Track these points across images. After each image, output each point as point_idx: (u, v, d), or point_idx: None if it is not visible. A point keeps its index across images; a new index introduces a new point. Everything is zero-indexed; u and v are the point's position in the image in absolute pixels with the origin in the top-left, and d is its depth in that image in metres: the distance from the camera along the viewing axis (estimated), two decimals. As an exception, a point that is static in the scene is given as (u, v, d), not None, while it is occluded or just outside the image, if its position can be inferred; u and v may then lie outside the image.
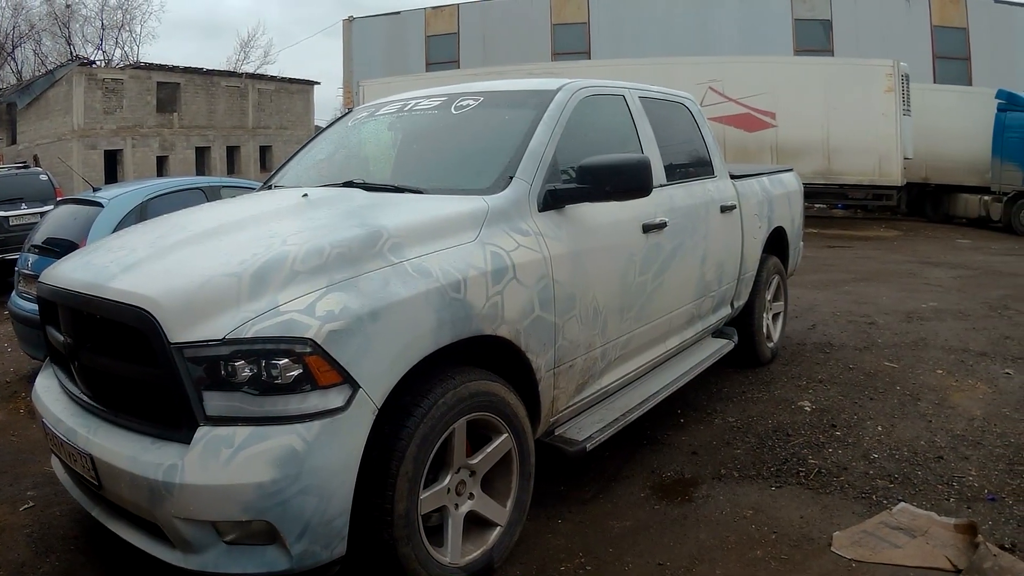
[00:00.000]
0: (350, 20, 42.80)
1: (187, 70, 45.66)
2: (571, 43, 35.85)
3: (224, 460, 3.22)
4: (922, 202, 27.82)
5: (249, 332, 3.27)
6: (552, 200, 4.68)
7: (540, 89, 5.45)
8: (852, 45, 31.03)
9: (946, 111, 25.72)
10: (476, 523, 4.14)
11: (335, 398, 3.32)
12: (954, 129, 25.69)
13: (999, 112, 24.76)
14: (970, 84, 30.74)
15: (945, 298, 12.30)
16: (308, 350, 3.26)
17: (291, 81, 51.61)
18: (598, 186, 4.64)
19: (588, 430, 5.00)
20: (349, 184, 5.00)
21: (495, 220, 4.32)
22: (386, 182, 5.02)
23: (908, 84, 23.56)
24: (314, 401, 3.29)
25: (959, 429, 6.36)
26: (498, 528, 4.20)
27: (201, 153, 45.30)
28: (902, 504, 5.01)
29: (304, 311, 3.34)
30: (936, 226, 26.03)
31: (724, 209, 6.77)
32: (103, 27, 55.63)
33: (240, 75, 50.09)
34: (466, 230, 4.18)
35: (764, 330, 8.10)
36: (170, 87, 44.48)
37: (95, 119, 40.88)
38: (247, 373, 3.27)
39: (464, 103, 5.56)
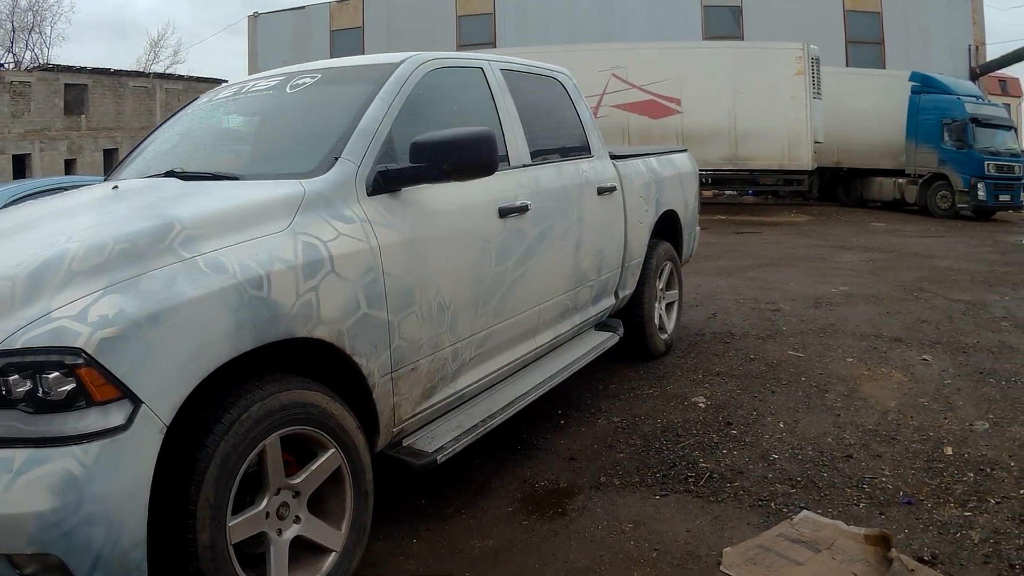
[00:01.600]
0: (255, 16, 42.14)
1: (95, 71, 45.18)
2: (477, 34, 35.48)
3: (3, 487, 2.78)
4: (835, 187, 28.02)
5: (18, 342, 2.84)
6: (384, 183, 4.21)
7: (381, 63, 5.02)
8: (763, 31, 30.94)
9: (859, 94, 25.90)
10: (309, 549, 3.69)
11: (115, 415, 2.89)
12: (867, 113, 25.93)
13: (913, 95, 25.13)
14: (884, 68, 30.74)
15: (857, 282, 12.05)
16: (80, 361, 2.83)
17: (199, 80, 50.70)
18: (435, 165, 4.18)
19: (441, 439, 4.55)
20: (170, 173, 4.54)
21: (312, 206, 3.85)
22: (207, 169, 4.55)
23: (819, 67, 23.52)
24: (91, 419, 2.85)
25: (871, 423, 6.00)
26: (333, 554, 3.73)
27: (109, 155, 44.45)
28: (804, 512, 4.57)
29: (76, 317, 2.89)
30: (850, 210, 26.13)
31: (602, 191, 6.35)
32: (13, 29, 54.37)
33: (148, 75, 49.62)
34: (275, 219, 3.69)
35: (656, 321, 7.67)
36: (78, 89, 43.77)
37: (2, 123, 40.09)
38: (23, 388, 2.83)
39: (300, 82, 5.13)
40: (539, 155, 5.73)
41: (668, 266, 7.91)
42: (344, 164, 4.13)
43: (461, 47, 34.53)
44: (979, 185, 23.09)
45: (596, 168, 6.44)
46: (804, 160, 23.39)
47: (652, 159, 7.66)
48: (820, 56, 23.55)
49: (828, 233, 19.14)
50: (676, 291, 8.19)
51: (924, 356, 7.79)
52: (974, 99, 24.77)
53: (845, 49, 32.46)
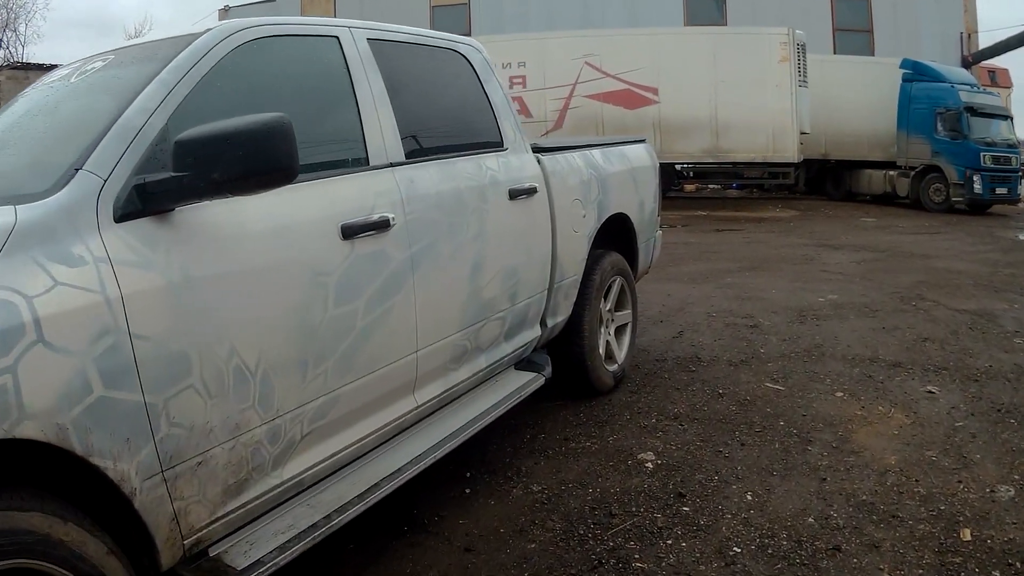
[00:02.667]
0: (226, 10, 40.77)
1: (66, 68, 43.55)
2: (451, 26, 33.87)
3: None
4: (822, 179, 26.75)
5: None
6: (141, 202, 2.91)
7: (182, 35, 3.66)
8: (748, 20, 29.44)
9: (847, 83, 24.58)
10: None
11: None
12: (856, 102, 24.63)
13: (904, 83, 23.91)
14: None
15: (847, 289, 10.57)
16: None
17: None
18: (200, 174, 2.89)
19: (263, 546, 3.26)
20: None
21: (22, 244, 2.59)
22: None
23: (805, 54, 22.08)
24: None
25: (866, 491, 4.62)
26: None
27: (81, 153, 42.86)
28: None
29: None
30: (838, 204, 24.70)
31: (517, 194, 4.96)
32: (-13, 27, 53.25)
33: (122, 71, 47.89)
34: None
35: (600, 350, 6.24)
36: (49, 87, 42.26)
37: (-28, 123, 38.47)
38: None
39: (91, 67, 3.83)
40: (420, 150, 4.40)
41: (618, 282, 6.49)
42: (83, 179, 2.85)
43: (435, 38, 33.14)
44: (975, 177, 21.78)
45: (509, 165, 5.05)
46: (790, 152, 21.98)
47: (595, 152, 6.23)
48: (806, 43, 22.02)
49: (815, 230, 17.66)
50: (629, 311, 6.74)
51: (929, 387, 6.39)
52: (968, 87, 23.50)
53: (832, 37, 31.08)
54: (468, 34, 28.77)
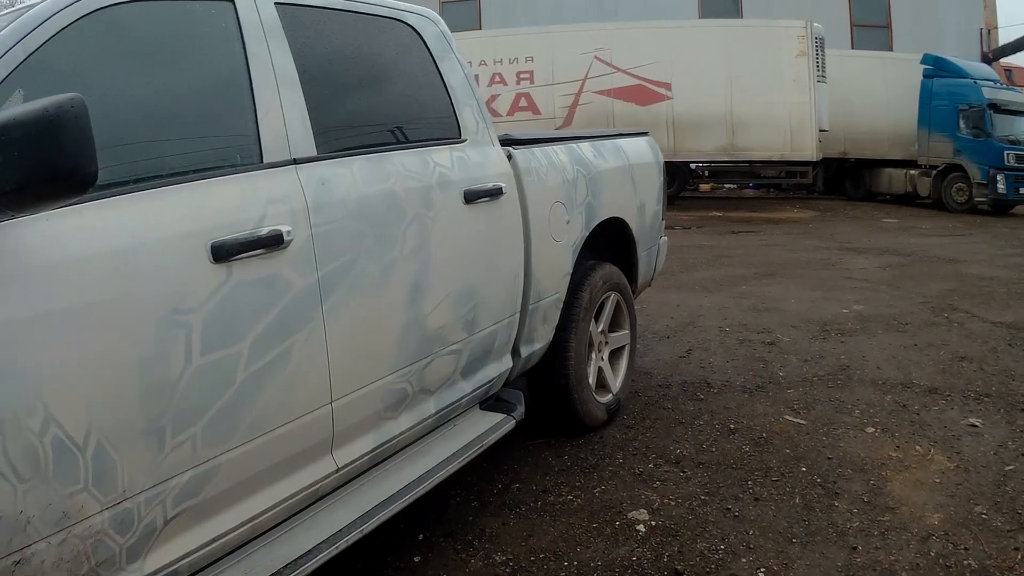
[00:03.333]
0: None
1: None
2: (462, 21, 32.93)
3: None
4: (841, 179, 25.62)
5: None
6: None
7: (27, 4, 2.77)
8: (763, 14, 28.34)
9: (867, 79, 23.36)
10: None
11: None
12: (876, 98, 23.39)
13: (925, 79, 22.59)
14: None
15: (873, 298, 9.51)
16: None
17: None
18: None
19: None
20: None
21: None
22: None
23: (823, 49, 20.94)
24: None
25: (905, 566, 3.67)
26: None
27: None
28: None
29: None
30: (857, 204, 23.54)
31: (475, 196, 4.00)
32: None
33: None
34: None
35: (589, 380, 5.24)
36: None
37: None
38: None
39: None
40: (342, 143, 3.48)
41: (612, 298, 5.48)
42: None
43: (445, 34, 32.07)
44: (998, 177, 20.61)
45: (467, 161, 4.08)
46: (808, 150, 20.75)
47: (583, 146, 5.24)
48: (824, 36, 20.91)
49: (835, 232, 16.56)
50: (626, 331, 5.74)
51: (971, 419, 5.40)
52: (992, 83, 22.36)
53: (850, 32, 29.97)
54: (479, 29, 27.98)
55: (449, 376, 3.93)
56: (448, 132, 4.10)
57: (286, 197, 3.01)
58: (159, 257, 2.55)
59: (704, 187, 27.45)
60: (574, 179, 4.87)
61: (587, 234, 5.01)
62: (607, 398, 5.43)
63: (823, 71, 20.90)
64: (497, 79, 21.34)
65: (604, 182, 5.24)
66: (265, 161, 3.02)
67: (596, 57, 21.32)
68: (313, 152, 3.22)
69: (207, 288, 2.67)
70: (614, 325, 5.60)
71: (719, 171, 24.51)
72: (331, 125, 3.39)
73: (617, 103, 21.21)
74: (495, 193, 4.08)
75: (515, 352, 4.52)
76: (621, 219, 5.51)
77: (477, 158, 4.11)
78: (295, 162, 3.13)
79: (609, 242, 5.53)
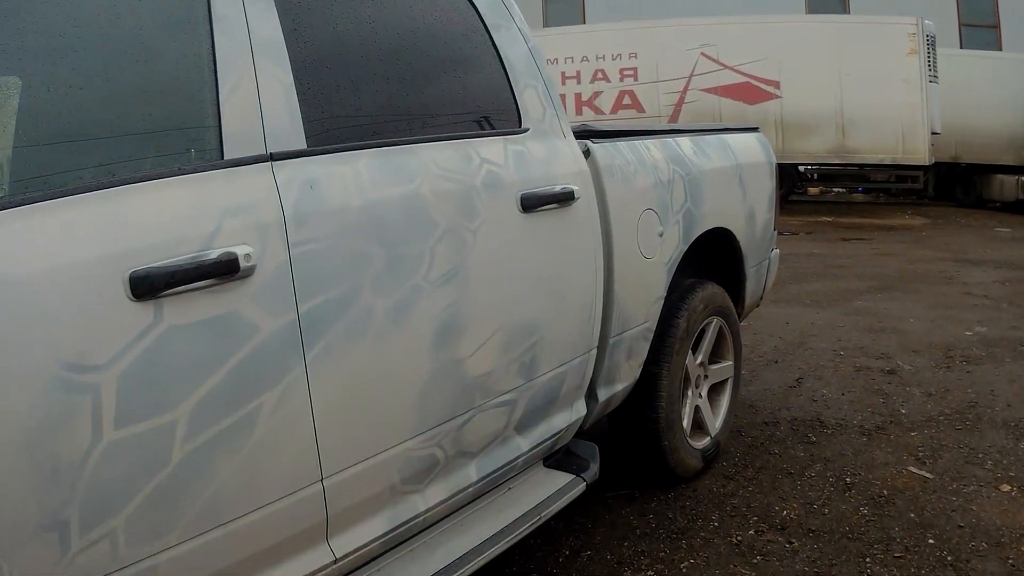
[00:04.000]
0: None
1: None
2: (565, 17, 31.97)
3: None
4: (951, 184, 23.91)
5: None
6: None
7: None
8: (870, 11, 26.98)
9: (976, 80, 21.63)
10: None
11: None
12: (986, 100, 21.60)
13: (1038, 79, 20.86)
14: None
15: (996, 318, 8.24)
16: None
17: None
18: None
19: None
20: None
21: None
22: None
23: (934, 47, 19.52)
24: None
25: None
26: None
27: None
28: None
29: None
30: (968, 211, 21.91)
31: (537, 202, 3.02)
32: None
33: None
34: None
35: (684, 422, 4.25)
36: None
37: None
38: None
39: None
40: (345, 133, 2.56)
41: (714, 324, 4.45)
42: None
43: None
44: (1119, 186, 18.95)
45: (527, 156, 3.11)
46: (920, 153, 19.31)
47: (681, 141, 4.23)
48: (935, 34, 19.56)
49: (949, 241, 15.14)
50: (729, 362, 4.70)
51: None
52: (1111, 83, 20.66)
53: (959, 32, 28.39)
54: (583, 23, 27.04)
55: (498, 433, 2.98)
56: (503, 119, 3.13)
57: (252, 206, 2.12)
58: (53, 293, 1.74)
59: (813, 190, 26.06)
60: (670, 181, 3.87)
61: (685, 249, 4.00)
62: (704, 442, 4.41)
63: (935, 71, 19.53)
64: (600, 76, 20.27)
65: (707, 185, 4.22)
66: (227, 157, 2.13)
67: (702, 53, 20.05)
68: (301, 144, 2.31)
69: (124, 335, 1.84)
70: (715, 356, 4.57)
71: (828, 174, 23.11)
72: (331, 109, 2.48)
73: (724, 101, 19.89)
74: (564, 198, 3.10)
75: (591, 395, 3.55)
76: (726, 229, 4.48)
77: (541, 153, 3.13)
78: (271, 158, 2.23)
79: (711, 256, 4.52)
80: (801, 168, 22.01)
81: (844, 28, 20.04)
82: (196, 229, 1.99)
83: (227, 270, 1.99)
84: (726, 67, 19.85)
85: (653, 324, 3.81)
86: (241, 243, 2.04)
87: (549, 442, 3.29)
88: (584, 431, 3.66)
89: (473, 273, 2.69)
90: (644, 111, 20.02)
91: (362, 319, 2.33)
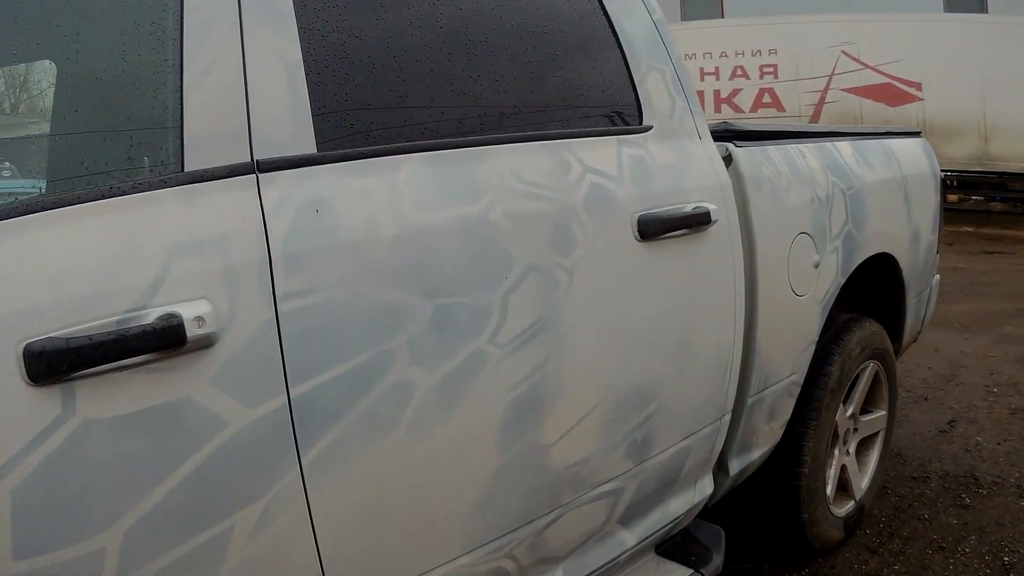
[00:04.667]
0: None
1: None
2: (703, 12, 30.87)
3: None
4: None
5: None
6: None
7: None
8: (1009, 10, 25.32)
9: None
10: None
11: None
12: None
13: None
14: None
15: None
16: None
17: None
18: None
19: None
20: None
21: None
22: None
23: (1082, 51, 18.00)
24: None
25: None
26: None
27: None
28: None
29: None
30: (1113, 227, 20.19)
31: (657, 228, 2.17)
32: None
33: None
34: None
35: (827, 489, 3.38)
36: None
37: None
38: None
39: None
40: (381, 132, 1.74)
41: (870, 369, 3.55)
42: None
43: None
44: None
45: (647, 163, 2.27)
46: (1068, 164, 17.84)
47: (840, 146, 3.35)
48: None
49: (1101, 256, 13.79)
50: (883, 412, 3.79)
51: None
52: None
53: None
54: (721, 17, 26.03)
55: (595, 530, 2.20)
56: (617, 113, 2.31)
57: (218, 240, 1.40)
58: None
59: (951, 198, 24.68)
60: (828, 197, 3.01)
61: (843, 281, 3.13)
62: (847, 507, 3.54)
63: (1085, 77, 18.07)
64: (739, 72, 19.27)
65: (870, 201, 3.34)
66: (188, 168, 1.40)
67: (843, 52, 18.89)
68: (307, 147, 1.56)
69: (18, 434, 1.21)
70: (867, 404, 3.68)
71: (967, 181, 21.72)
72: (358, 96, 1.71)
73: (865, 102, 18.68)
74: (698, 221, 2.27)
75: (723, 466, 2.75)
76: (890, 255, 3.58)
77: (668, 158, 2.31)
78: (258, 168, 1.48)
79: (866, 286, 3.59)
80: (942, 175, 20.75)
81: (988, 28, 18.80)
82: (128, 278, 1.28)
83: (170, 340, 1.26)
84: (867, 66, 18.71)
85: (801, 376, 2.96)
86: (196, 297, 1.31)
87: (663, 531, 2.48)
88: (708, 509, 2.83)
89: (566, 329, 1.90)
90: (784, 110, 18.94)
91: (392, 402, 1.58)
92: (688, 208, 2.23)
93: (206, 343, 1.31)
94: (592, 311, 1.96)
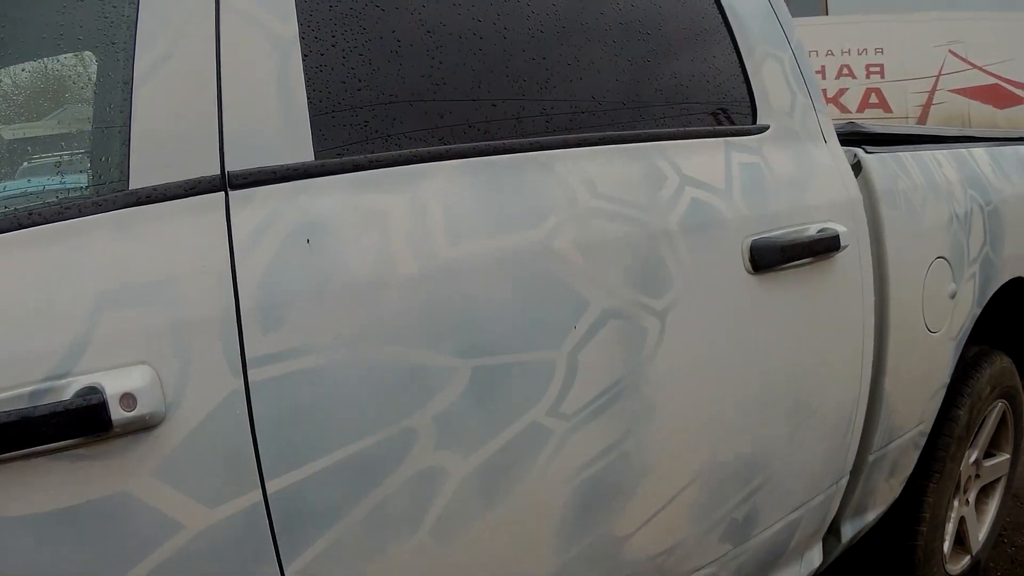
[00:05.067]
0: None
1: None
2: (805, 9, 30.00)
3: None
4: None
5: None
6: None
7: None
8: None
9: None
10: None
11: None
12: None
13: None
14: None
15: None
16: None
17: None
18: None
19: None
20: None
21: None
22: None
23: None
24: None
25: None
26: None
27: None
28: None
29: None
30: None
31: (775, 256, 1.68)
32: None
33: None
34: None
35: (945, 546, 2.88)
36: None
37: None
38: None
39: None
40: (417, 129, 1.26)
41: (997, 410, 3.05)
42: None
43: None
44: None
45: (762, 172, 1.78)
46: None
47: (975, 153, 2.85)
48: None
49: None
50: (1007, 456, 3.26)
51: None
52: None
53: None
54: (825, 13, 25.31)
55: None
56: (724, 110, 1.83)
57: (165, 286, 1.00)
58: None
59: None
60: (967, 214, 2.52)
61: (979, 313, 2.64)
62: (962, 564, 3.05)
63: None
64: (845, 71, 18.53)
65: (1009, 219, 2.82)
66: (133, 186, 1.00)
67: (950, 51, 18.08)
68: (303, 154, 1.14)
69: None
70: (991, 449, 3.18)
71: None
72: (375, 85, 1.28)
73: (973, 104, 17.84)
74: (824, 248, 1.79)
75: (835, 532, 2.31)
76: (1022, 279, 3.01)
77: (788, 168, 1.84)
78: (229, 184, 1.06)
79: (993, 314, 3.04)
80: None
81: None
82: (37, 340, 0.91)
83: (89, 424, 0.89)
84: (974, 66, 17.87)
85: (929, 424, 2.48)
86: (132, 362, 0.93)
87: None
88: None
89: (655, 391, 1.45)
90: (891, 111, 18.16)
91: (412, 497, 1.17)
92: (812, 231, 1.77)
93: (142, 425, 0.91)
94: (690, 366, 1.51)
